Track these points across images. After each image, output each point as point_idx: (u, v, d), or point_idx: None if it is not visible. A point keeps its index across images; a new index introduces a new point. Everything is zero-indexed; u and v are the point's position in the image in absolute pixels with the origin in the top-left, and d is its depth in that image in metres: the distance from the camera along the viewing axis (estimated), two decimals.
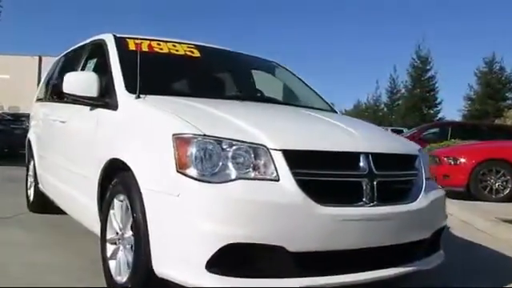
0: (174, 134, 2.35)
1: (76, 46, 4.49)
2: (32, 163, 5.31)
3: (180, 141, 2.32)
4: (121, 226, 2.68)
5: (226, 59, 4.01)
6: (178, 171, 2.27)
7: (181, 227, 2.23)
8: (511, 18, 54.79)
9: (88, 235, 3.36)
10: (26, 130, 6.41)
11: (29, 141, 5.45)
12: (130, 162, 2.55)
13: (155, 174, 2.39)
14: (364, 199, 2.41)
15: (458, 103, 58.74)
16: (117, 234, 2.72)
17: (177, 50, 3.67)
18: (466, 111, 35.31)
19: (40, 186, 4.89)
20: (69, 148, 3.64)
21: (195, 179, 2.24)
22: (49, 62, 6.90)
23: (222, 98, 3.32)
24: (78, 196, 3.36)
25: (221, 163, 2.26)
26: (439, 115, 35.87)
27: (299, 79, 4.16)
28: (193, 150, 2.28)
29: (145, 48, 3.49)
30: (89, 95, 3.14)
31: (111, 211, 2.76)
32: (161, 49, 3.61)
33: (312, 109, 3.48)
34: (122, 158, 2.64)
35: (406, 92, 37.39)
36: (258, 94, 3.83)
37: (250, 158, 2.28)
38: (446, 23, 60.65)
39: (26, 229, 4.43)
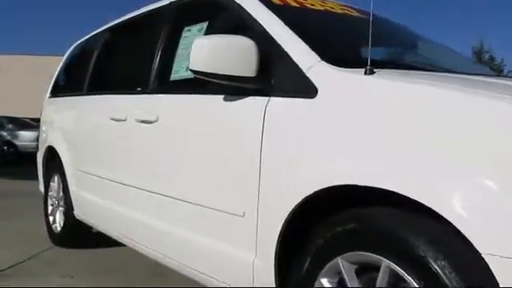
0: None
1: (138, 13, 3.11)
2: (57, 181, 3.90)
3: None
4: None
5: (385, 24, 2.76)
6: None
7: None
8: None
9: None
10: None
11: (48, 150, 4.01)
12: (418, 194, 1.27)
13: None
14: None
15: None
16: None
17: (332, 8, 2.42)
18: None
19: (77, 212, 3.51)
20: (177, 165, 2.28)
21: None
22: None
23: (418, 69, 2.05)
24: (207, 243, 2.04)
25: None
26: None
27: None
28: None
29: (293, 3, 2.25)
30: (243, 75, 1.83)
31: None
32: (312, 5, 2.34)
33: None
34: (381, 186, 1.36)
35: None
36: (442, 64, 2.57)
37: None
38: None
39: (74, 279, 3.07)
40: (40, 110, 4.56)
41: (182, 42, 2.46)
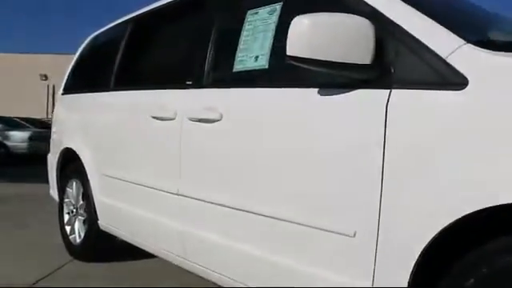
0: None
1: None
2: (75, 187, 3.51)
3: None
4: None
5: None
6: None
7: None
8: None
9: None
10: None
11: (65, 153, 3.62)
12: None
13: None
14: None
15: None
16: None
17: None
18: None
19: (102, 222, 3.13)
20: (252, 172, 1.90)
21: None
22: None
23: None
24: (295, 266, 1.69)
25: None
26: None
27: None
28: None
29: None
30: (357, 62, 1.48)
31: None
32: None
33: None
34: None
35: None
36: None
37: None
38: None
39: None
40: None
41: (247, 28, 2.09)
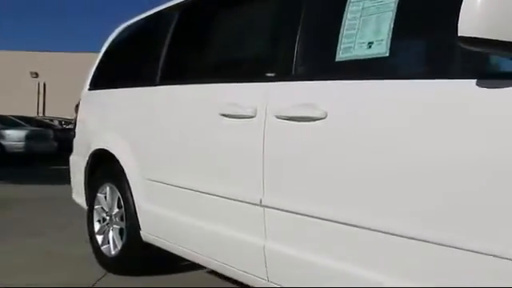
0: None
1: None
2: (109, 192, 3.16)
3: None
4: None
5: None
6: None
7: None
8: None
9: None
10: None
11: (98, 154, 3.26)
12: None
13: None
14: None
15: None
16: None
17: None
18: None
19: (145, 233, 2.79)
20: (376, 182, 1.58)
21: None
22: None
23: None
24: None
25: None
26: None
27: None
28: None
29: None
30: None
31: None
32: None
33: None
34: None
35: None
36: None
37: None
38: None
39: None
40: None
41: (351, 10, 1.77)
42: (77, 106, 3.82)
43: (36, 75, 30.00)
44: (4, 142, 11.81)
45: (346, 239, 1.65)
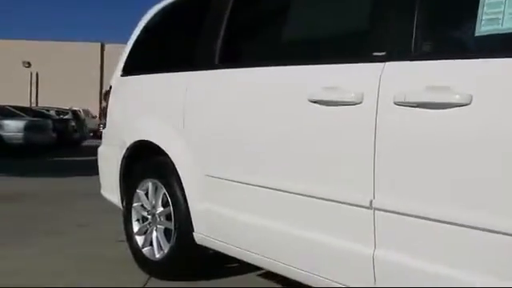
0: None
1: None
2: (151, 189, 2.85)
3: None
4: None
5: None
6: None
7: None
8: None
9: None
10: None
11: (139, 146, 2.93)
12: None
13: None
14: None
15: None
16: None
17: None
18: None
19: (200, 234, 2.49)
20: None
21: None
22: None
23: None
24: None
25: None
26: None
27: None
28: None
29: None
30: None
31: None
32: None
33: None
34: None
35: None
36: None
37: None
38: None
39: None
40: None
41: None
42: (106, 94, 3.49)
43: (28, 65, 29.38)
44: (2, 133, 11.39)
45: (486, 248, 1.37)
